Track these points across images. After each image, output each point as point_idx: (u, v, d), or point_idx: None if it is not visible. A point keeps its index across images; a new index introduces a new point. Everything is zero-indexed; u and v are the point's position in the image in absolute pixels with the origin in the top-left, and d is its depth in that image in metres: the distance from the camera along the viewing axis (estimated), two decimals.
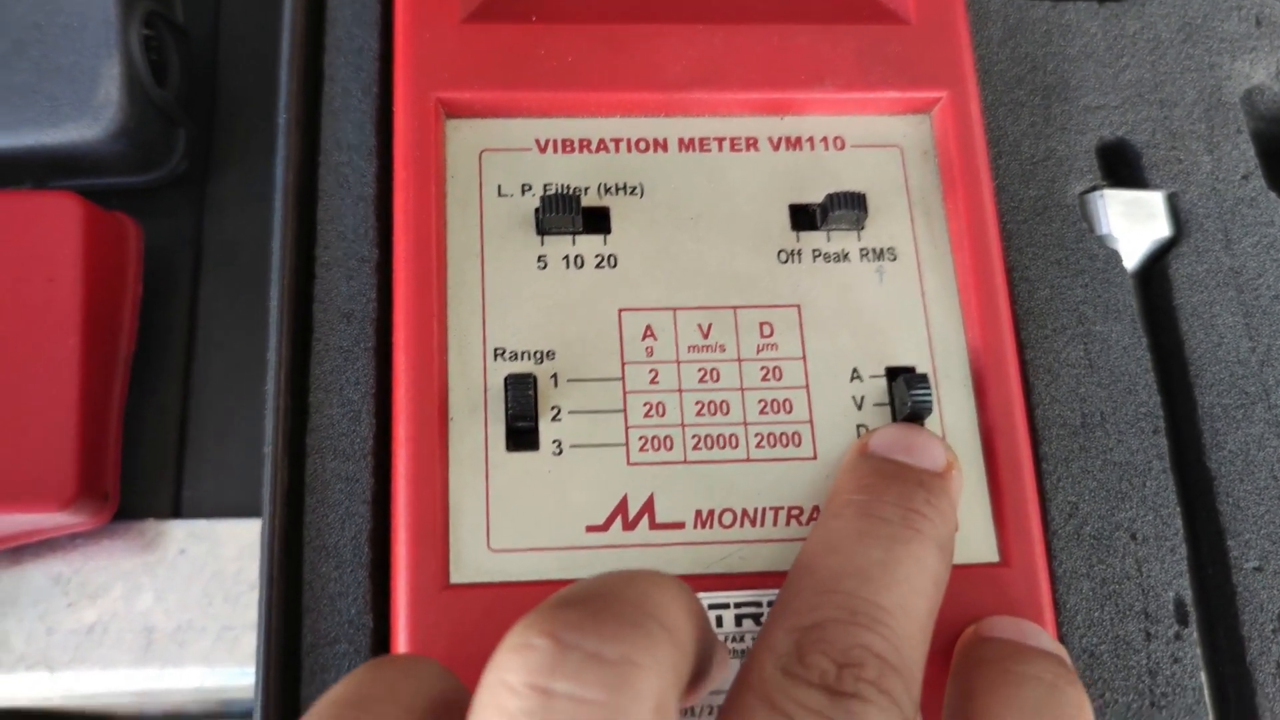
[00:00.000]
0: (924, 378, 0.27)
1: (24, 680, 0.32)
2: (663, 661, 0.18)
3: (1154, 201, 0.31)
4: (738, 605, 0.26)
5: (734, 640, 0.25)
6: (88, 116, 0.30)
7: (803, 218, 0.29)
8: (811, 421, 0.27)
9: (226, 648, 0.33)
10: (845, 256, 0.29)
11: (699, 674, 0.21)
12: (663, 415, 0.27)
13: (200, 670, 0.33)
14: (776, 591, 0.26)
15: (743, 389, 0.27)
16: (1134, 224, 0.31)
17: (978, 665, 0.24)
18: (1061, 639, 0.27)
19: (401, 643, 0.25)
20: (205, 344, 0.35)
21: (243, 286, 0.35)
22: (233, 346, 0.35)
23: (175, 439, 0.34)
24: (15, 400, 0.29)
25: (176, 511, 0.34)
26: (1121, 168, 0.32)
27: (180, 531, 0.33)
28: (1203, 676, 0.28)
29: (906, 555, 0.22)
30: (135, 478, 0.34)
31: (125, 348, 0.33)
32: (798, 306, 0.28)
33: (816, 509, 0.27)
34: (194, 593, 0.33)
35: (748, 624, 0.25)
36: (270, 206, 0.36)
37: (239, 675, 0.33)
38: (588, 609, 0.18)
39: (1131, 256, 0.31)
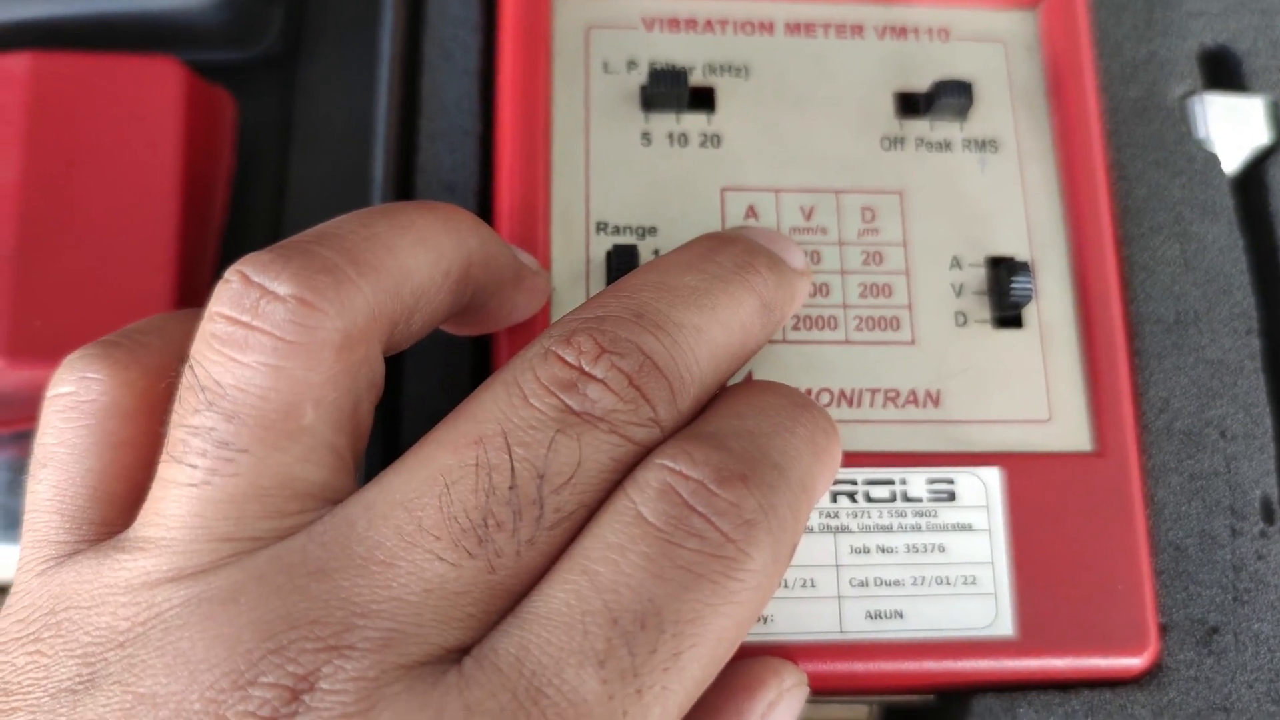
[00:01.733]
0: (1025, 266, 0.27)
1: None
2: (349, 303, 0.19)
3: (1254, 107, 0.31)
4: (833, 483, 0.26)
5: (828, 516, 0.26)
6: None
7: (907, 105, 0.29)
8: (911, 306, 0.27)
9: None
10: (948, 146, 0.29)
11: (442, 306, 0.21)
12: None
13: None
14: (873, 470, 0.26)
15: (843, 272, 0.27)
16: (1233, 129, 0.31)
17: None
18: (1150, 531, 0.27)
19: None
20: (292, 225, 0.35)
21: (333, 169, 0.35)
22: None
23: None
24: (114, 264, 0.30)
25: None
26: (1222, 74, 0.32)
27: None
28: None
29: (724, 293, 0.21)
30: None
31: (218, 219, 0.33)
32: (900, 193, 0.28)
33: (913, 393, 0.27)
34: None
35: (842, 501, 0.26)
36: (365, 86, 0.36)
37: None
38: (285, 250, 0.19)
39: (1230, 161, 0.31)
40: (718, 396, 0.21)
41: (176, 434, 0.19)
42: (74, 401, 0.21)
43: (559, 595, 0.18)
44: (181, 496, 0.19)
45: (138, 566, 0.18)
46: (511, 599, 0.18)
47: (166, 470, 0.19)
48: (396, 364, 0.28)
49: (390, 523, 0.18)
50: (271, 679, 0.17)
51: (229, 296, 0.19)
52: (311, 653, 0.17)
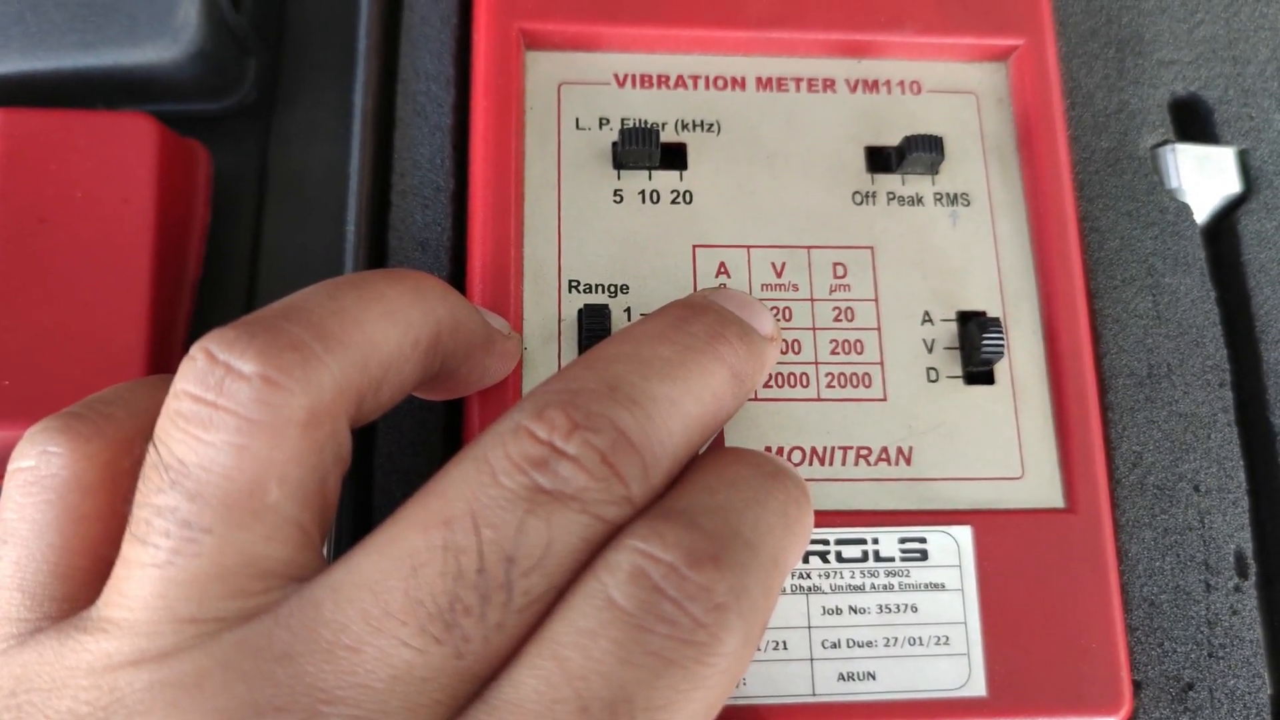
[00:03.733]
0: (996, 322, 0.27)
1: None
2: (315, 380, 0.19)
3: (1225, 157, 0.31)
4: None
5: (799, 577, 0.26)
6: (166, 37, 0.30)
7: (878, 160, 0.29)
8: (882, 363, 0.27)
9: None
10: (919, 200, 0.29)
11: (410, 376, 0.21)
12: None
13: None
14: (845, 530, 0.26)
15: (814, 328, 0.27)
16: (1204, 179, 0.31)
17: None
18: (1123, 587, 0.27)
19: None
20: (268, 274, 0.35)
21: (307, 219, 0.35)
22: (296, 278, 0.35)
23: None
24: (86, 321, 0.30)
25: None
26: (1193, 123, 0.32)
27: None
28: (1259, 630, 0.28)
29: (696, 365, 0.21)
30: None
31: (192, 273, 0.33)
32: (871, 248, 0.28)
33: (885, 450, 0.27)
34: None
35: (814, 560, 0.26)
36: (339, 138, 0.36)
37: None
38: (251, 326, 0.19)
39: (1201, 211, 0.31)
40: (689, 467, 0.21)
41: (140, 513, 0.19)
42: (35, 476, 0.21)
43: (528, 682, 0.18)
44: (144, 577, 0.19)
45: (99, 649, 0.18)
46: (479, 684, 0.18)
47: (130, 550, 0.19)
48: (368, 425, 0.28)
49: (356, 606, 0.18)
50: None
51: (194, 374, 0.19)
52: None
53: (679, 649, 0.18)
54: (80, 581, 0.20)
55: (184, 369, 0.19)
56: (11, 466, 0.21)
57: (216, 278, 0.35)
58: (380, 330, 0.20)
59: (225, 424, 0.19)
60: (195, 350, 0.19)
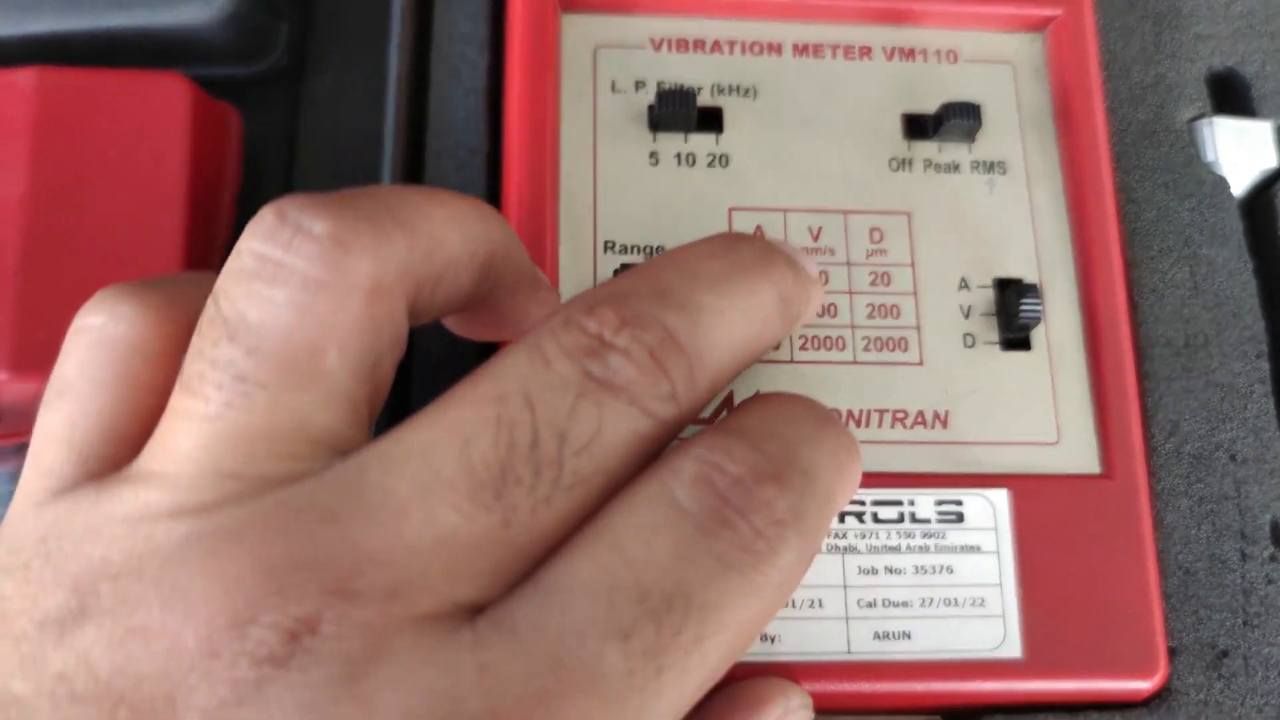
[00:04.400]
0: (1033, 288, 0.27)
1: None
2: (383, 253, 0.19)
3: (1262, 131, 0.31)
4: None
5: (836, 537, 0.26)
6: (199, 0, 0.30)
7: (915, 127, 0.29)
8: (919, 327, 0.27)
9: None
10: (956, 167, 0.29)
11: (464, 286, 0.21)
12: None
13: None
14: (881, 491, 0.26)
15: (851, 292, 0.27)
16: (1242, 152, 0.31)
17: None
18: (1159, 554, 0.27)
19: None
20: None
21: (337, 182, 0.35)
22: None
23: None
24: (120, 273, 0.30)
25: None
26: (1230, 97, 0.32)
27: None
28: None
29: (745, 281, 0.21)
30: None
31: (223, 234, 0.33)
32: (908, 214, 0.28)
33: (921, 414, 0.27)
34: None
35: (850, 522, 0.26)
36: (371, 103, 0.36)
37: None
38: (329, 198, 0.19)
39: (1239, 184, 0.31)
40: (748, 401, 0.21)
41: (194, 366, 0.19)
42: (100, 336, 0.20)
43: (585, 566, 0.17)
44: (191, 430, 0.18)
45: (137, 499, 0.18)
46: (525, 562, 0.18)
47: (179, 401, 0.19)
48: (403, 370, 0.28)
49: (406, 471, 0.18)
50: (271, 619, 0.16)
51: (262, 231, 0.18)
52: (315, 596, 0.16)
53: (739, 555, 0.18)
54: (128, 446, 0.20)
55: (251, 226, 0.19)
56: (77, 323, 0.21)
57: None
58: (445, 229, 0.20)
59: (290, 281, 0.18)
60: (264, 210, 0.19)
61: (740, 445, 0.19)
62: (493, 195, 0.29)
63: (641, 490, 0.18)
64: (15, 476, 0.32)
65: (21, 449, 0.33)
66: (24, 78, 0.30)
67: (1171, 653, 0.27)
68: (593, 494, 0.18)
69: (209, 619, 0.16)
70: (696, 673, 0.18)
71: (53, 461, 0.20)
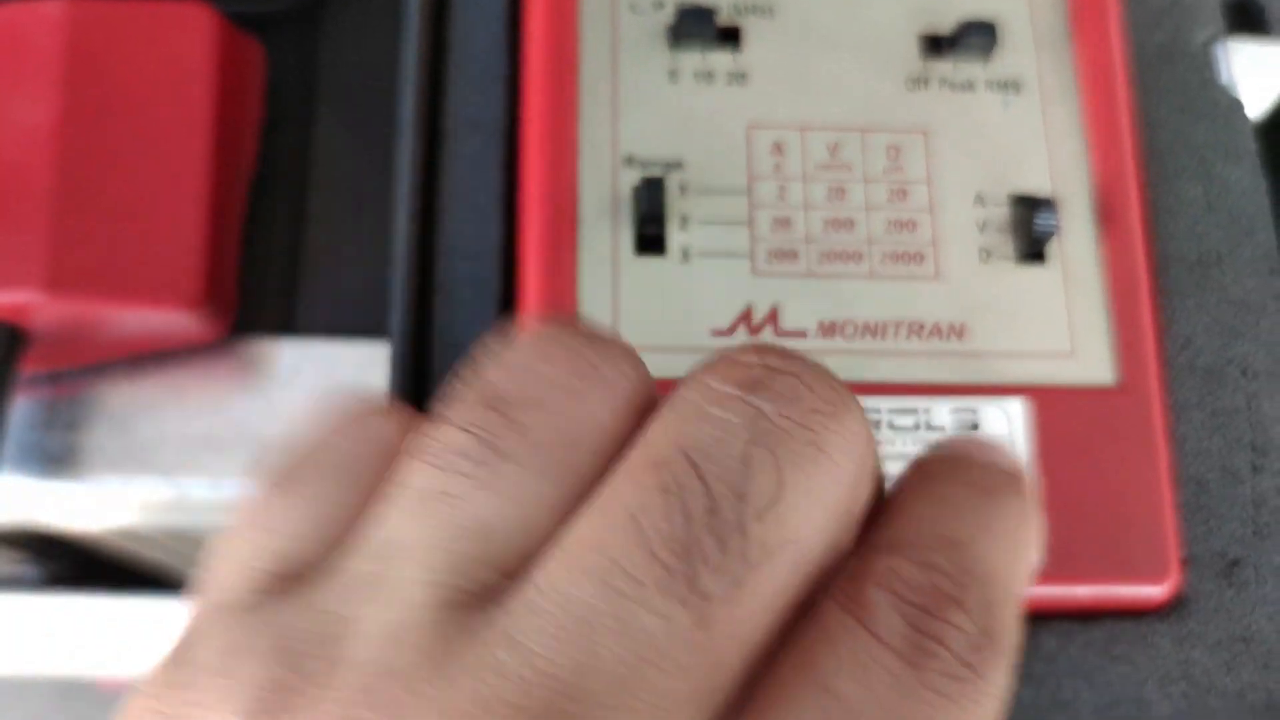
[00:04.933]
0: (1048, 202, 0.27)
1: (137, 484, 0.33)
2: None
3: (1278, 54, 0.31)
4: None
5: None
6: None
7: (931, 46, 0.29)
8: (935, 242, 0.28)
9: None
10: (971, 86, 0.29)
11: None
12: (789, 229, 0.27)
13: None
14: (898, 400, 0.26)
15: (868, 208, 0.28)
16: (1257, 75, 0.31)
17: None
18: (1172, 466, 0.27)
19: None
20: (317, 175, 0.36)
21: (356, 120, 0.36)
22: (344, 178, 0.36)
23: (287, 266, 0.35)
24: (149, 203, 0.30)
25: (290, 332, 0.35)
26: (1246, 20, 0.32)
27: (294, 350, 0.34)
28: None
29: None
30: (248, 301, 0.34)
31: (247, 168, 0.34)
32: (924, 131, 0.28)
33: (938, 325, 0.27)
34: (306, 409, 0.34)
35: None
36: (392, 36, 0.36)
37: None
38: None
39: (1254, 106, 0.31)
40: (902, 492, 0.19)
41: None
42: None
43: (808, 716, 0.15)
44: None
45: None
46: (731, 685, 0.16)
47: None
48: (429, 298, 0.28)
49: (581, 568, 0.15)
50: None
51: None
52: None
53: (951, 685, 0.16)
54: None
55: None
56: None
57: (271, 176, 0.35)
58: None
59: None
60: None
61: (909, 567, 0.17)
62: (513, 116, 0.29)
63: (831, 617, 0.16)
64: (48, 407, 0.33)
65: (55, 377, 0.34)
66: (54, 8, 0.30)
67: (1184, 562, 0.27)
68: (790, 585, 0.16)
69: None
70: None
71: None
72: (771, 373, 0.16)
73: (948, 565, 0.17)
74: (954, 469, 0.19)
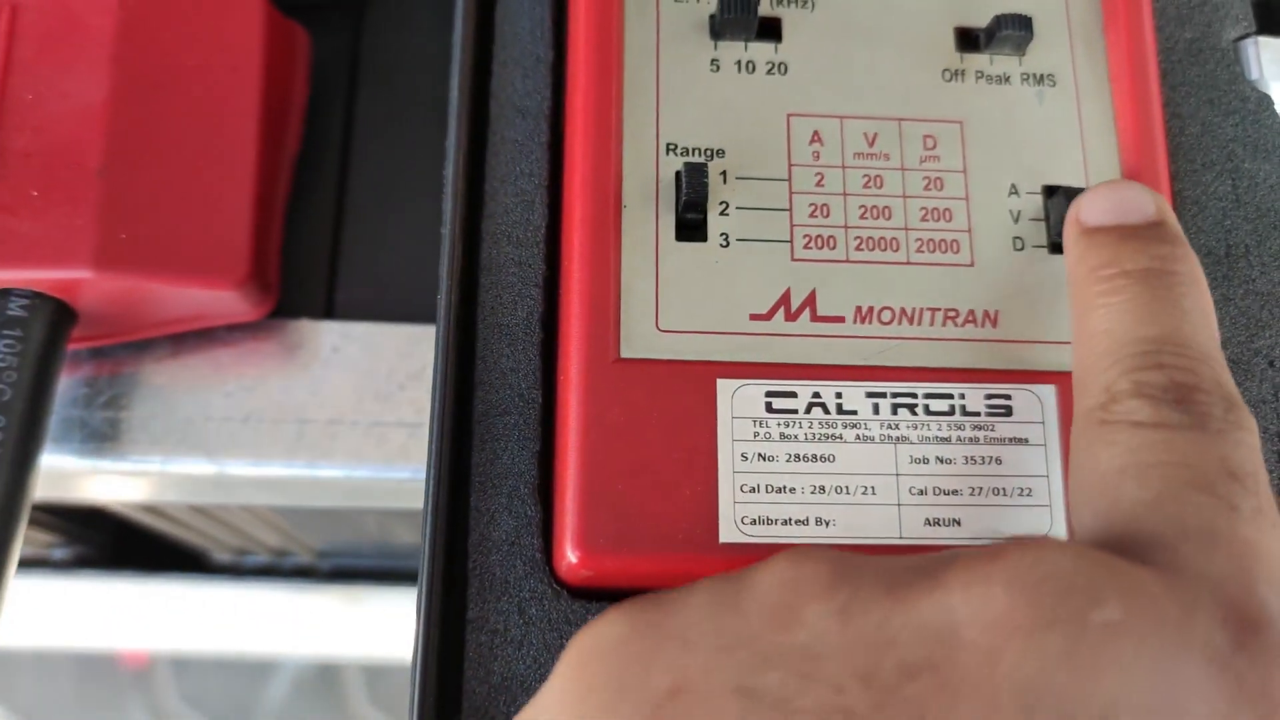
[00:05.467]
0: (1082, 193, 0.27)
1: (181, 463, 0.34)
2: None
3: None
4: (894, 395, 0.27)
5: (888, 428, 0.27)
6: None
7: (967, 39, 0.30)
8: (970, 231, 0.28)
9: (375, 443, 0.34)
10: (1006, 79, 0.29)
11: None
12: (827, 216, 0.28)
13: (348, 464, 0.34)
14: (933, 385, 0.27)
15: (905, 196, 0.28)
16: None
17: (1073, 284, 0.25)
18: None
19: (573, 411, 0.26)
20: (359, 159, 0.36)
21: (397, 105, 0.37)
22: (386, 162, 0.36)
23: (329, 247, 0.36)
24: (197, 182, 0.31)
25: (329, 315, 0.35)
26: (1275, 18, 0.33)
27: (334, 331, 0.35)
28: None
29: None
30: (290, 282, 0.35)
31: (291, 147, 0.34)
32: (960, 123, 0.29)
33: (972, 312, 0.28)
34: (346, 390, 0.35)
35: (903, 413, 0.27)
36: (435, 22, 0.37)
37: (385, 469, 0.34)
38: None
39: None
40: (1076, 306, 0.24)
41: None
42: None
43: None
44: None
45: None
46: None
47: None
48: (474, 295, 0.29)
49: None
50: None
51: None
52: None
53: (1231, 435, 0.21)
54: None
55: None
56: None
57: (314, 158, 0.36)
58: None
59: None
60: None
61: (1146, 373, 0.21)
62: (556, 101, 0.30)
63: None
64: (91, 384, 0.33)
65: (96, 353, 0.34)
66: None
67: None
68: None
69: None
70: None
71: None
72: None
73: (1171, 359, 0.21)
74: (1106, 258, 0.23)
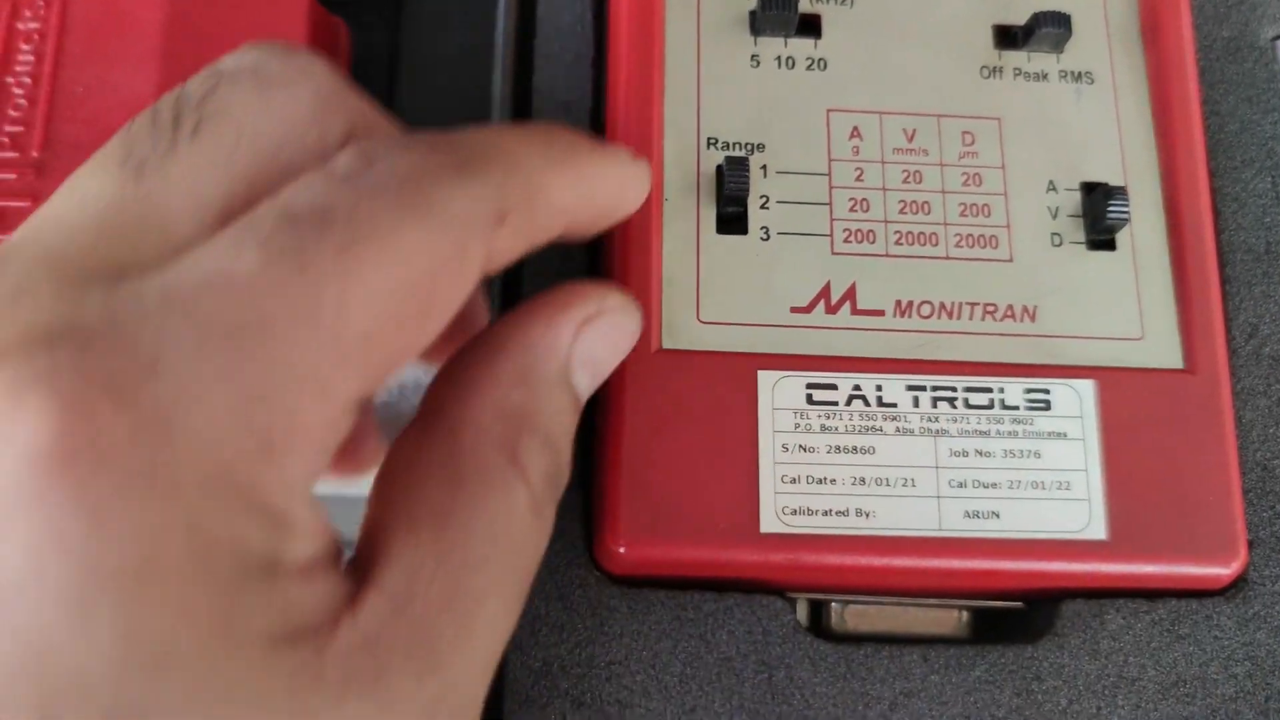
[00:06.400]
0: (1121, 190, 0.28)
1: None
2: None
3: None
4: (934, 388, 0.27)
5: (928, 420, 0.27)
6: None
7: (1005, 37, 0.30)
8: (1009, 226, 0.28)
9: None
10: (1044, 76, 0.30)
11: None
12: (866, 210, 0.28)
13: None
14: (972, 379, 0.27)
15: (944, 191, 0.28)
16: None
17: None
18: (1238, 451, 0.28)
19: (614, 401, 0.26)
20: None
21: (438, 101, 0.37)
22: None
23: None
24: None
25: None
26: None
27: None
28: None
29: None
30: None
31: None
32: (998, 119, 0.29)
33: (1010, 307, 0.28)
34: None
35: (942, 406, 0.27)
36: (475, 16, 0.37)
37: None
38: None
39: None
40: None
41: None
42: None
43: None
44: None
45: None
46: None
47: None
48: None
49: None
50: None
51: None
52: None
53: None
54: None
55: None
56: None
57: None
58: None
59: None
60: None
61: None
62: (599, 97, 0.30)
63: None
64: None
65: None
66: None
67: (1249, 545, 0.28)
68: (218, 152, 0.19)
69: None
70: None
71: None
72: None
73: (440, 135, 0.19)
74: None
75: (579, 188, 0.22)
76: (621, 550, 0.25)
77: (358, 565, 0.18)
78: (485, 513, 0.19)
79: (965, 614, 0.28)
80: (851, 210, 0.28)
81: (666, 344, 0.27)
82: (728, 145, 0.28)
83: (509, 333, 0.21)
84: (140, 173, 0.18)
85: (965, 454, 0.26)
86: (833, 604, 0.27)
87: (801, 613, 0.28)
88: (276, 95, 0.20)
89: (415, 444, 0.20)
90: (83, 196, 0.18)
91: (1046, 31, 0.29)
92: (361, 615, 0.17)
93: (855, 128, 0.29)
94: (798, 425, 0.26)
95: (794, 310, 0.27)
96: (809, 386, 0.27)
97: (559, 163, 0.21)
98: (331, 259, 0.17)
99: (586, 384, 0.22)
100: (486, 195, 0.19)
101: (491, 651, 0.19)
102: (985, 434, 0.27)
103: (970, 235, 0.28)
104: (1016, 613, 0.28)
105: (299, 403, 0.16)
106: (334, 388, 0.17)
